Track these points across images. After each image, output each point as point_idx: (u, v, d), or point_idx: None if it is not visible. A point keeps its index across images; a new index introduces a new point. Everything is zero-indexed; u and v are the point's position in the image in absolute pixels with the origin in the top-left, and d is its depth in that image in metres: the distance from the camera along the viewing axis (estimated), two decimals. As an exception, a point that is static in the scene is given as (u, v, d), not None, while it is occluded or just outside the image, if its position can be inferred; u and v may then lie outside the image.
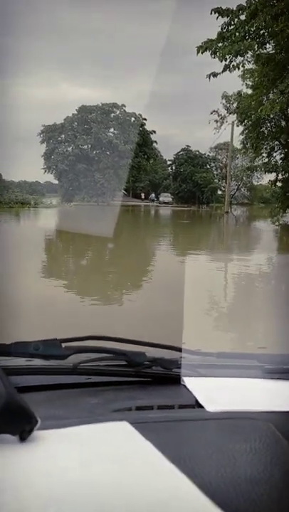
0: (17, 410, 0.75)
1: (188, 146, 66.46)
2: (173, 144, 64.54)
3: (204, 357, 1.25)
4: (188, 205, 58.40)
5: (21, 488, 0.65)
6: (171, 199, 61.52)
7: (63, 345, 1.06)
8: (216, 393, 1.05)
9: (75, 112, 45.98)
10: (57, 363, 1.07)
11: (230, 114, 31.30)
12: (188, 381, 1.10)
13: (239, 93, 28.83)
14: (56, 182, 47.45)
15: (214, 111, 32.63)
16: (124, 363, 1.10)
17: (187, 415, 0.98)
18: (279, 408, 0.98)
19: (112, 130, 45.85)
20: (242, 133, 28.88)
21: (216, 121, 32.93)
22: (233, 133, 36.75)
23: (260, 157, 27.96)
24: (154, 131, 48.31)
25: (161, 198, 60.28)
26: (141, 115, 47.40)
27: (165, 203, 58.88)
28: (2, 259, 10.41)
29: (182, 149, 66.66)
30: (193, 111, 77.95)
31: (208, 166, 66.74)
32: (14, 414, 0.75)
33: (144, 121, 47.48)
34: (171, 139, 72.41)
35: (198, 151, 65.94)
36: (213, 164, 67.65)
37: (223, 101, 30.65)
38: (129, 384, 1.11)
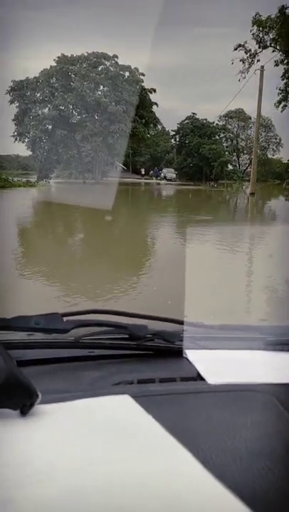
0: (18, 385, 0.73)
1: (194, 113, 55.76)
2: (176, 117, 54.54)
3: (206, 329, 1.20)
4: (195, 182, 47.99)
5: (23, 462, 0.64)
6: (175, 175, 50.96)
7: (65, 319, 1.02)
8: (218, 365, 1.02)
9: (54, 64, 34.87)
10: (58, 337, 1.02)
11: (263, 48, 20.19)
12: (190, 354, 1.07)
13: (282, 10, 17.84)
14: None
15: (240, 45, 21.51)
16: (126, 336, 1.06)
17: (189, 388, 0.94)
18: (281, 380, 0.94)
19: (100, 87, 34.76)
20: (283, 75, 18.56)
21: (243, 60, 21.80)
22: (262, 80, 25.29)
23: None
24: (154, 90, 37.18)
25: (163, 174, 49.49)
26: (137, 69, 36.22)
27: (168, 179, 48.35)
28: None
29: (187, 118, 55.92)
30: (198, 84, 68.40)
31: (217, 137, 56.08)
32: (15, 388, 0.73)
33: (142, 77, 36.36)
34: (173, 112, 62.51)
35: (205, 120, 55.22)
36: (222, 135, 57.04)
37: (254, 29, 19.59)
38: (131, 357, 1.07)
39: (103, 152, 33.76)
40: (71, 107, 33.86)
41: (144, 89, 36.20)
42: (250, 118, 58.29)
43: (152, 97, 37.72)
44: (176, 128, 56.00)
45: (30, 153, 35.83)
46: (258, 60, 22.13)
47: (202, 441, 0.72)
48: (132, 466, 0.64)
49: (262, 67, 23.18)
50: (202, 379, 0.96)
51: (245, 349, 1.12)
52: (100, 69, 35.12)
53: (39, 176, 34.48)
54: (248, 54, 21.81)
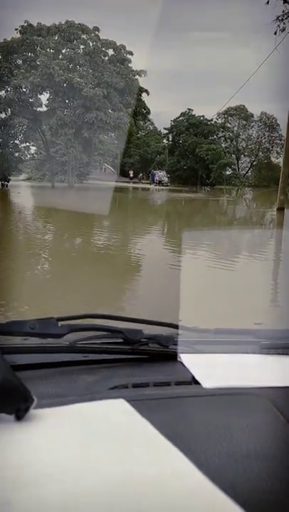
0: (12, 389, 0.72)
1: (189, 109, 47.81)
2: (168, 121, 47.11)
3: (201, 333, 1.19)
4: (189, 187, 40.18)
5: (18, 466, 0.63)
6: (167, 179, 42.96)
7: (60, 323, 1.00)
8: (213, 369, 1.01)
9: (17, 35, 26.56)
10: (53, 342, 1.00)
11: None
12: (185, 358, 1.05)
13: None
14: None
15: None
16: (121, 340, 1.05)
17: (183, 392, 0.93)
18: (276, 383, 0.94)
19: (75, 66, 26.47)
20: None
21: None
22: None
23: None
24: (144, 73, 28.99)
25: (157, 178, 41.47)
26: (124, 47, 28.14)
27: (160, 183, 40.46)
28: None
29: (182, 114, 47.89)
30: (190, 88, 62.07)
31: (214, 137, 48.22)
32: (10, 393, 0.72)
33: (130, 56, 28.21)
34: (167, 116, 55.76)
35: (202, 117, 47.29)
36: (221, 134, 49.19)
37: None
38: (126, 361, 1.06)
39: (77, 148, 25.49)
40: (35, 88, 25.44)
41: (132, 70, 28.02)
42: (253, 116, 50.99)
43: (142, 82, 29.54)
44: (169, 126, 48.34)
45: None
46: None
47: (197, 444, 0.71)
48: (127, 470, 0.63)
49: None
50: (197, 383, 0.94)
51: (240, 353, 1.10)
52: (74, 43, 26.92)
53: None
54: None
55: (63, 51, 26.28)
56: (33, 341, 1.00)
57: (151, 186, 39.82)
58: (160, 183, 40.77)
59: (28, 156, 27.91)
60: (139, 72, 28.35)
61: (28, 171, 33.87)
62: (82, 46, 26.93)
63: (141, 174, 47.55)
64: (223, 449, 0.69)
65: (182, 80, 61.03)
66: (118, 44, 27.91)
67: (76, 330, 1.00)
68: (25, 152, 26.99)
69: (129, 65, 28.05)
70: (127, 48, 28.11)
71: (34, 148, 27.75)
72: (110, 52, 27.85)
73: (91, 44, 27.14)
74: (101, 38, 27.54)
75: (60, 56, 26.04)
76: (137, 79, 28.47)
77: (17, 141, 26.02)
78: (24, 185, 28.25)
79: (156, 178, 41.78)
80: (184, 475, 0.62)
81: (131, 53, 28.26)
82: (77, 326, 1.01)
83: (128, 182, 41.26)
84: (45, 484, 0.59)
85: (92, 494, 0.58)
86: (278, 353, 1.09)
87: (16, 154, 26.26)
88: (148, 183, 42.10)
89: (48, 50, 25.52)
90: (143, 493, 0.59)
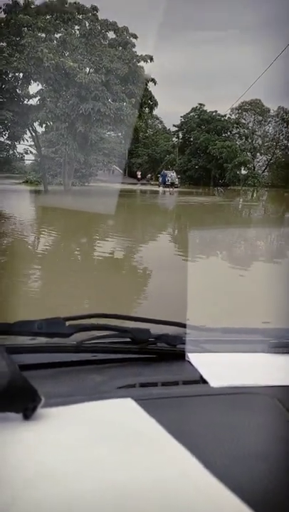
0: (20, 388, 0.72)
1: (201, 104, 43.60)
2: (177, 120, 43.65)
3: (209, 333, 1.19)
4: (202, 188, 36.14)
5: (25, 465, 0.63)
6: (177, 179, 38.80)
7: (67, 323, 1.00)
8: (221, 369, 1.00)
9: (1, 15, 22.51)
10: (61, 341, 1.01)
11: None
12: (193, 357, 1.05)
13: None
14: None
15: None
16: (129, 340, 1.05)
17: (191, 391, 0.93)
18: (284, 383, 0.93)
19: (69, 49, 22.32)
20: None
21: None
22: None
23: None
24: (151, 59, 24.70)
25: (168, 179, 37.25)
26: (127, 29, 24.01)
27: (172, 185, 36.32)
28: None
29: (193, 109, 43.82)
30: (201, 87, 60.05)
31: (228, 133, 43.96)
32: (18, 392, 0.72)
33: (134, 39, 24.04)
34: (174, 116, 52.09)
35: (215, 112, 43.08)
36: (235, 131, 44.89)
37: None
38: (134, 361, 1.05)
39: (69, 145, 21.34)
40: (21, 75, 21.34)
41: (136, 55, 23.81)
42: (269, 111, 46.65)
43: (146, 67, 25.25)
44: (178, 123, 44.22)
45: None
46: None
47: (205, 444, 0.70)
48: (134, 469, 0.63)
49: None
50: (205, 382, 0.93)
51: (248, 352, 1.09)
52: (69, 24, 22.81)
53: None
54: None
55: (56, 35, 22.17)
56: (41, 341, 0.99)
57: (160, 188, 35.71)
58: (172, 184, 36.58)
59: (17, 155, 23.77)
60: (145, 58, 24.06)
61: (26, 173, 30.08)
62: (76, 27, 22.80)
63: (150, 175, 43.57)
64: (230, 449, 0.69)
65: (192, 79, 57.49)
66: (120, 26, 23.76)
67: (83, 329, 0.99)
68: (11, 152, 22.90)
69: (133, 49, 23.85)
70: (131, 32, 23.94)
71: (23, 146, 23.57)
72: (110, 35, 23.73)
73: (87, 24, 23.01)
74: (100, 17, 23.39)
75: (54, 41, 21.94)
76: (142, 66, 24.21)
77: (1, 139, 21.97)
78: (14, 190, 24.30)
79: (168, 179, 37.63)
80: (192, 474, 0.62)
81: (135, 36, 24.08)
82: (85, 326, 1.00)
83: (135, 184, 37.23)
84: (52, 483, 0.58)
85: (99, 493, 0.57)
86: (286, 352, 1.07)
87: (1, 155, 22.25)
88: (157, 185, 38.03)
89: (37, 31, 21.43)
90: (150, 493, 0.58)
